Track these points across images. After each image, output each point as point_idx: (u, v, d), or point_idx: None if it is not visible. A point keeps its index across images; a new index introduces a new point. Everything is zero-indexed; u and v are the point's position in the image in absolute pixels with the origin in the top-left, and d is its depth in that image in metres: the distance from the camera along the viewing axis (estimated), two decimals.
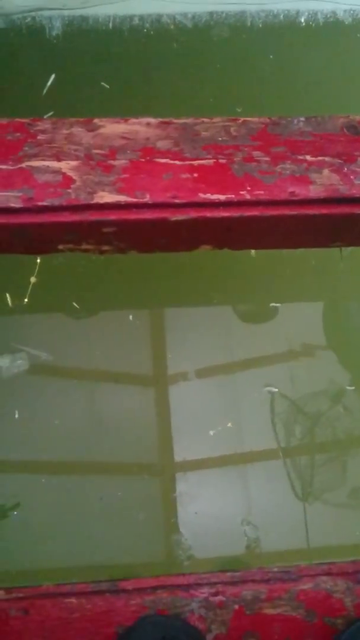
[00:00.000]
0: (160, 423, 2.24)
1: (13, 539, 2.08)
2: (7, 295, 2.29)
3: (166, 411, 2.25)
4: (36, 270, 2.29)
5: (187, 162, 0.90)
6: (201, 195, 0.87)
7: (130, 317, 2.34)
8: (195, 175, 0.89)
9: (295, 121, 0.95)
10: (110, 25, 2.57)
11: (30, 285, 2.30)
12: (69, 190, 0.86)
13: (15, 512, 2.08)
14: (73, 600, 0.86)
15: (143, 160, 0.90)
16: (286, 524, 2.16)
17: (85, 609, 0.86)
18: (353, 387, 2.32)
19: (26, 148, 0.89)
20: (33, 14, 2.52)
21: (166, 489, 2.16)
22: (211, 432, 2.23)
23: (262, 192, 0.88)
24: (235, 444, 2.22)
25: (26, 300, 2.28)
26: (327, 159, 0.92)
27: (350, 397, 2.32)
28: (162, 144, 0.91)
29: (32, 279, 2.30)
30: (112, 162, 0.89)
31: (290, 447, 2.24)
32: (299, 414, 2.28)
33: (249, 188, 0.88)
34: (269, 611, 0.87)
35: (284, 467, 2.21)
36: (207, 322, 2.39)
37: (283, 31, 2.65)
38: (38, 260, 2.30)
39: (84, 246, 0.92)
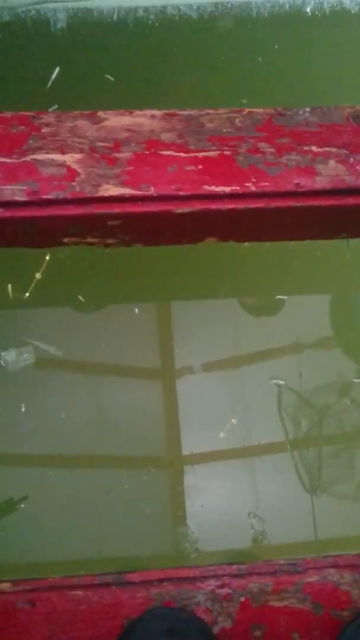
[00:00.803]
0: (167, 416, 2.24)
1: (20, 532, 2.09)
2: (9, 285, 2.29)
3: (173, 405, 2.25)
4: (43, 267, 2.29)
5: (192, 154, 0.89)
6: (206, 187, 0.87)
7: (136, 310, 2.34)
8: (200, 167, 0.88)
9: (301, 112, 0.94)
10: (115, 17, 2.56)
11: (35, 281, 2.30)
12: (74, 184, 0.86)
13: (22, 505, 2.09)
14: (79, 592, 0.86)
15: (147, 152, 0.89)
16: (293, 517, 2.16)
17: (92, 601, 0.86)
18: None
19: (30, 141, 0.89)
20: (37, 6, 2.51)
21: (173, 482, 2.17)
22: (218, 425, 2.23)
23: (267, 183, 0.88)
24: (243, 437, 2.22)
25: (27, 294, 2.28)
26: (333, 149, 0.91)
27: (357, 389, 2.31)
28: (166, 136, 0.91)
29: (37, 275, 2.30)
30: (116, 154, 0.89)
31: (297, 440, 2.24)
32: (307, 406, 2.27)
33: (254, 180, 0.88)
34: (276, 604, 0.87)
35: (291, 460, 2.21)
36: (213, 315, 2.39)
37: (289, 21, 2.62)
38: (47, 257, 2.30)
39: (89, 239, 0.92)
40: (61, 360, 2.26)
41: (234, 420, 2.23)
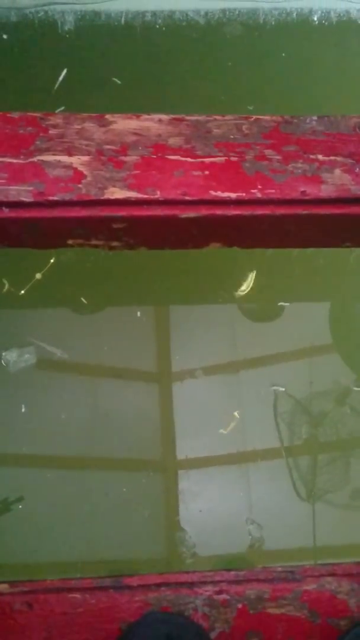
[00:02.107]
0: (164, 420, 2.24)
1: (16, 532, 2.08)
2: (6, 282, 2.29)
3: (171, 408, 2.25)
4: (46, 268, 2.29)
5: (199, 160, 0.90)
6: (212, 193, 0.87)
7: (138, 313, 2.34)
8: (207, 172, 0.89)
9: (308, 120, 0.95)
10: (123, 20, 2.57)
11: (33, 281, 2.30)
12: (80, 186, 0.86)
13: (20, 506, 2.09)
14: (77, 595, 0.86)
15: (154, 156, 0.89)
16: (290, 524, 2.16)
17: (89, 605, 0.86)
18: (359, 389, 2.31)
19: (38, 142, 0.89)
20: (46, 8, 2.52)
21: (171, 487, 2.17)
22: (216, 430, 2.23)
23: (273, 190, 0.88)
24: (240, 443, 2.22)
25: (22, 292, 2.28)
26: (339, 158, 0.91)
27: (356, 398, 2.31)
28: (173, 141, 0.91)
29: (38, 275, 2.30)
30: (123, 158, 0.89)
31: (293, 447, 2.24)
32: (304, 413, 2.27)
33: (260, 187, 0.88)
34: (273, 611, 0.87)
35: (287, 466, 2.21)
36: (213, 320, 2.39)
37: (296, 29, 2.63)
38: (52, 260, 2.29)
39: (94, 242, 0.92)
40: (62, 361, 2.26)
41: (232, 423, 2.23)
